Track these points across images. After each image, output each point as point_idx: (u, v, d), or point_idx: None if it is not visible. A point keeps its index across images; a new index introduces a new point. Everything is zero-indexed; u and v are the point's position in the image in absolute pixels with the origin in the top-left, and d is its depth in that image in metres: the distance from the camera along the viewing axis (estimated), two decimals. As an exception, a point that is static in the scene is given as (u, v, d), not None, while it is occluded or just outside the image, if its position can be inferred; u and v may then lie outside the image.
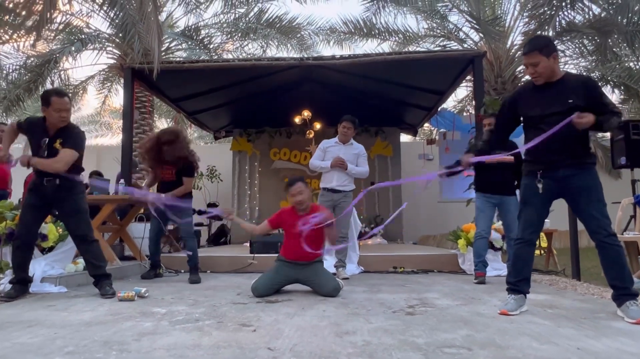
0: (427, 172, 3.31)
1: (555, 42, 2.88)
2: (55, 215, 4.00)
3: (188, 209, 4.57)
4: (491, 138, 3.15)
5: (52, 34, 8.77)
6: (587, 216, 2.63)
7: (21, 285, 3.41)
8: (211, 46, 10.30)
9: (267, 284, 3.45)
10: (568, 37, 8.38)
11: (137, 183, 7.28)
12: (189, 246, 4.54)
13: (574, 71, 9.48)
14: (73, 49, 8.12)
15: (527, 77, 9.12)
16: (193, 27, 10.08)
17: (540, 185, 2.70)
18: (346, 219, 4.65)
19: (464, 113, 10.07)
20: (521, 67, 9.11)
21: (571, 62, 9.30)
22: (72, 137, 3.38)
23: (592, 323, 2.42)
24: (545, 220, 6.37)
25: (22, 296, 3.37)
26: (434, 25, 9.65)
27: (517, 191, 4.05)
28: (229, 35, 10.35)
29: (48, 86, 9.09)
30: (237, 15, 10.01)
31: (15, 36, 7.79)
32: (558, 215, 5.54)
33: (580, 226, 4.51)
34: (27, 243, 3.42)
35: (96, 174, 6.84)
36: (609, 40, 8.29)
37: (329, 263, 4.70)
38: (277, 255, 3.69)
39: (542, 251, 6.81)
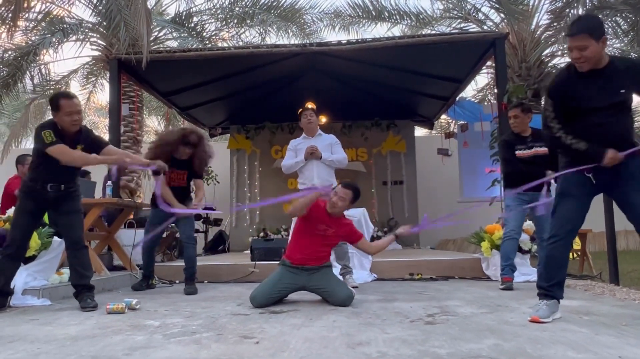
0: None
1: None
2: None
3: (191, 212, 4.58)
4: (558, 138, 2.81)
5: (31, 24, 8.83)
6: (638, 210, 2.59)
7: (1, 297, 3.43)
8: (205, 34, 10.33)
9: (268, 292, 3.44)
10: (600, 16, 8.31)
11: (127, 185, 7.32)
12: (188, 254, 4.53)
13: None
14: (54, 40, 8.18)
15: (554, 62, 8.84)
16: (184, 13, 10.12)
17: (590, 176, 2.64)
18: None
19: (485, 103, 10.03)
20: (547, 51, 9.08)
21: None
22: (93, 138, 3.61)
23: (635, 330, 2.39)
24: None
25: (0, 311, 3.38)
26: (450, 5, 9.63)
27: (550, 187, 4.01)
28: (223, 22, 10.38)
29: (27, 81, 9.17)
30: (232, 0, 10.03)
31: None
32: (592, 214, 5.49)
33: (618, 226, 4.51)
34: (19, 251, 3.49)
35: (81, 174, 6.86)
36: (646, 18, 8.21)
37: (334, 270, 4.69)
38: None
39: (575, 255, 6.76)
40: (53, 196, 3.46)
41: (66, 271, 4.05)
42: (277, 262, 3.75)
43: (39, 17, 8.67)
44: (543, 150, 4.19)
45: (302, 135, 4.89)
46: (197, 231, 9.16)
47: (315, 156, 4.62)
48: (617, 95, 2.58)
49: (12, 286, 3.55)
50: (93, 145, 3.57)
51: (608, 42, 9.19)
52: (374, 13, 9.95)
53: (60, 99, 3.37)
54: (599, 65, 2.62)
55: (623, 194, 2.67)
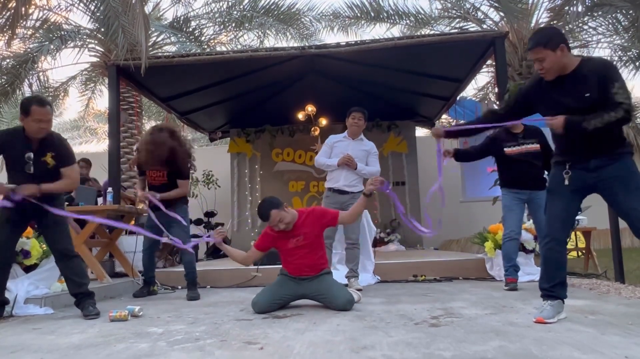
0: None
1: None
2: (36, 229, 4.03)
3: (184, 218, 4.58)
4: (484, 117, 3.14)
5: (29, 32, 8.87)
6: (628, 210, 2.60)
7: None
8: (203, 38, 10.37)
9: (270, 298, 3.44)
10: (600, 12, 8.31)
11: (126, 195, 7.30)
12: (185, 259, 4.55)
13: (607, 50, 9.41)
14: (52, 47, 8.22)
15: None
16: (182, 18, 10.15)
17: (566, 176, 2.68)
18: (355, 224, 4.61)
19: (486, 101, 10.02)
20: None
21: (604, 39, 9.23)
22: (64, 149, 3.47)
23: (641, 329, 2.39)
24: (583, 217, 6.31)
25: (-1, 320, 3.38)
26: (449, 5, 9.63)
27: None
28: (222, 26, 10.41)
29: (26, 89, 9.20)
30: (230, 3, 10.07)
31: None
32: (596, 212, 5.52)
33: (622, 223, 4.50)
34: (5, 261, 3.46)
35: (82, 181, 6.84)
36: (646, 14, 8.21)
37: (340, 273, 4.69)
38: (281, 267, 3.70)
39: (580, 253, 6.76)
40: (29, 204, 3.30)
41: (68, 279, 4.05)
42: (279, 266, 3.75)
43: (37, 24, 8.69)
44: (534, 147, 4.18)
45: (343, 134, 4.78)
46: (197, 236, 9.18)
47: (350, 167, 4.56)
48: (581, 100, 2.60)
49: (13, 295, 3.56)
50: (61, 158, 3.42)
51: (609, 39, 9.24)
52: (372, 14, 9.96)
53: (32, 105, 3.27)
54: (565, 71, 2.68)
55: (611, 195, 2.69)
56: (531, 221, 4.97)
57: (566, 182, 2.69)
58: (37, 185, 3.30)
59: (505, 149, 4.23)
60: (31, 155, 3.34)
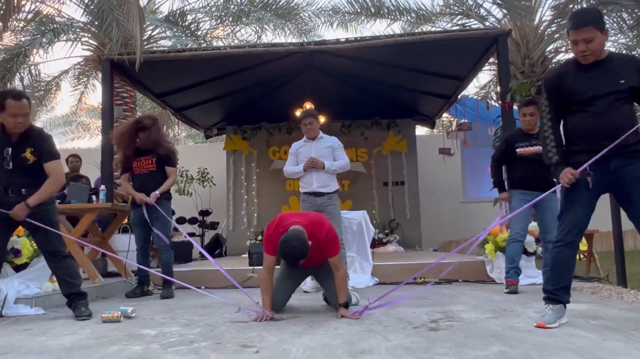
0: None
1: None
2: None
3: (167, 214, 4.56)
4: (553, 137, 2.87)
5: (21, 24, 8.83)
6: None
7: None
8: (199, 33, 10.33)
9: (283, 297, 3.50)
10: (604, 11, 8.32)
11: (118, 194, 7.27)
12: (164, 260, 4.61)
13: (611, 49, 9.42)
14: (44, 40, 8.17)
15: (558, 58, 8.89)
16: (178, 11, 10.11)
17: (589, 179, 2.66)
18: (336, 224, 4.57)
19: (488, 101, 10.03)
20: (551, 47, 9.09)
21: (608, 38, 9.23)
22: (46, 145, 3.41)
23: (643, 335, 2.40)
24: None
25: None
26: (451, 1, 9.63)
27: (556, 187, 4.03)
28: (218, 20, 10.39)
29: (17, 83, 9.17)
30: (227, -3, 10.04)
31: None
32: (598, 214, 5.50)
33: (625, 226, 4.51)
34: None
35: (75, 178, 6.83)
36: (652, 13, 8.23)
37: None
38: (278, 266, 3.68)
39: (582, 256, 6.77)
40: (17, 203, 3.29)
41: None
42: (276, 267, 3.73)
43: (29, 16, 8.66)
44: None
45: (303, 138, 4.83)
46: (193, 234, 9.18)
47: (316, 168, 4.59)
48: (616, 85, 2.63)
49: (4, 295, 3.55)
50: (42, 153, 3.38)
51: (613, 38, 9.26)
52: (372, 9, 9.94)
53: (7, 99, 3.24)
54: (599, 57, 2.70)
55: (625, 196, 2.71)
56: (533, 223, 4.98)
57: (590, 185, 2.67)
58: (24, 205, 3.27)
59: (517, 149, 4.26)
60: (9, 150, 3.32)
